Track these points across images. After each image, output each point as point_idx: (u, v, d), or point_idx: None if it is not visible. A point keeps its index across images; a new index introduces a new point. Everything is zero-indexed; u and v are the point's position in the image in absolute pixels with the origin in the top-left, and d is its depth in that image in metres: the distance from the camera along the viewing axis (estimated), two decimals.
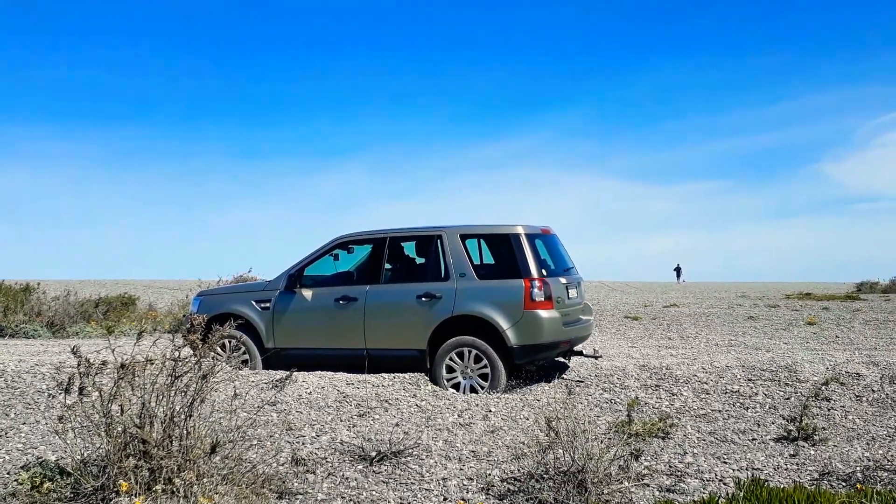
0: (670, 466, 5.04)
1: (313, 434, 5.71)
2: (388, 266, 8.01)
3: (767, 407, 6.86)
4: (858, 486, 4.47)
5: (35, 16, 48.77)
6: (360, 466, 4.93)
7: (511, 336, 7.26)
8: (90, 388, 3.99)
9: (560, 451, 4.37)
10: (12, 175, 56.93)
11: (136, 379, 4.06)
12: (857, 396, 7.10)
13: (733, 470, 4.99)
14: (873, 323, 14.02)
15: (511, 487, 4.52)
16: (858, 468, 4.96)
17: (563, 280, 7.80)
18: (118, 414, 3.99)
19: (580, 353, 8.56)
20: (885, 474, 4.79)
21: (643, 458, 4.99)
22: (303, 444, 5.44)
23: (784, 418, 6.23)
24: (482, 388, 7.33)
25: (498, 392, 7.26)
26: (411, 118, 60.97)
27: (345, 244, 8.19)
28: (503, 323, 7.29)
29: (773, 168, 74.61)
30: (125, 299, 16.17)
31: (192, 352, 4.24)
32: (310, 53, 57.18)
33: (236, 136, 60.37)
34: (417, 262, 8.19)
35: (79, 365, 4.04)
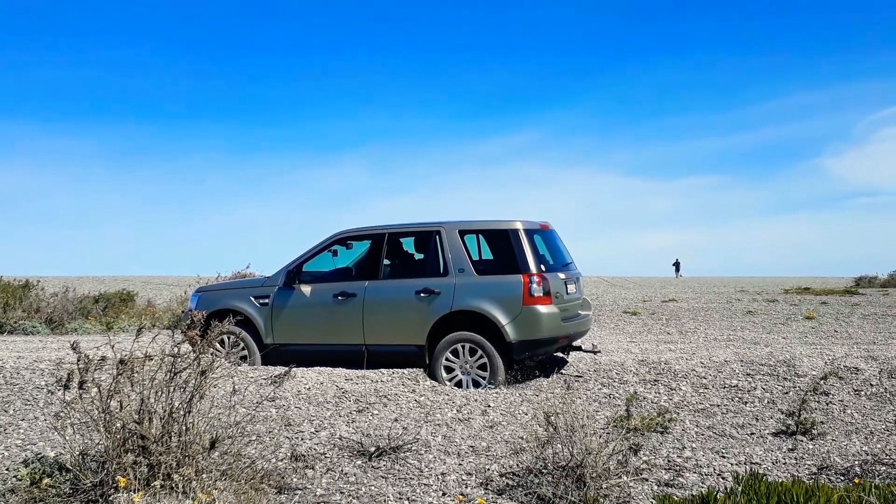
0: (669, 461, 5.05)
1: (312, 429, 5.71)
2: (386, 262, 8.01)
3: (766, 401, 6.87)
4: (857, 480, 4.47)
5: (35, 16, 48.69)
6: (359, 462, 4.93)
7: (510, 331, 7.26)
8: (89, 384, 3.99)
9: (559, 445, 4.38)
10: (12, 173, 56.94)
11: (135, 375, 4.06)
12: (856, 391, 7.11)
13: (732, 464, 5.00)
14: (872, 317, 14.05)
15: (510, 482, 4.52)
16: (857, 462, 4.97)
17: (561, 275, 7.80)
18: (117, 410, 3.99)
19: (579, 349, 8.58)
20: (884, 468, 4.80)
21: (642, 452, 4.99)
22: (302, 439, 5.45)
23: (783, 413, 6.24)
24: (483, 379, 7.35)
25: (497, 387, 7.27)
26: (410, 114, 60.99)
27: (343, 240, 8.19)
28: (502, 318, 7.29)
29: (772, 163, 74.69)
30: (124, 296, 16.19)
31: (190, 348, 4.24)
32: (310, 53, 57.14)
33: (235, 133, 60.40)
34: (416, 258, 8.19)
35: (78, 361, 4.04)
